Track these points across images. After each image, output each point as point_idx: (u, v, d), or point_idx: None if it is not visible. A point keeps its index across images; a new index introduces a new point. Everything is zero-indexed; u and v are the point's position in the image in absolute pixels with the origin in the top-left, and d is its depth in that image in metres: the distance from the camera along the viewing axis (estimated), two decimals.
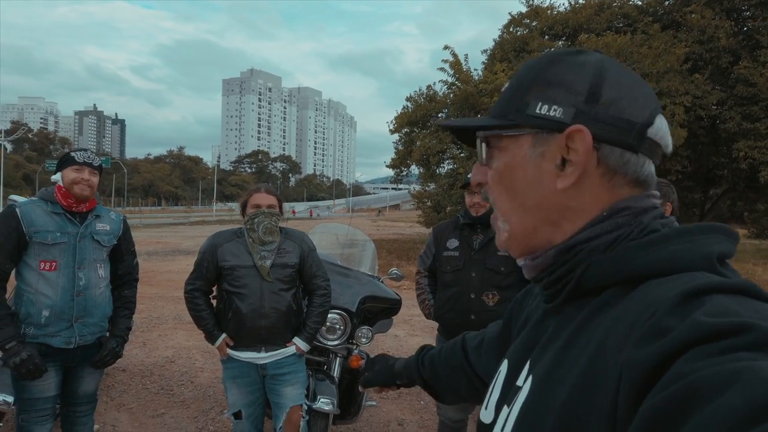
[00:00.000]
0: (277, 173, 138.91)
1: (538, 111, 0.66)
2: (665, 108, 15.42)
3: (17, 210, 2.58)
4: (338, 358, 3.46)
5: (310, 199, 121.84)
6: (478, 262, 2.95)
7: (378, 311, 3.67)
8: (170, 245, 20.64)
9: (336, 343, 3.37)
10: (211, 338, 2.89)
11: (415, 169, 21.02)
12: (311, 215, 70.40)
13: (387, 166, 20.85)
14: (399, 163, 20.23)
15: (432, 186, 20.21)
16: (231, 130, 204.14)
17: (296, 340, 2.96)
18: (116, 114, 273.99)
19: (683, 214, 16.75)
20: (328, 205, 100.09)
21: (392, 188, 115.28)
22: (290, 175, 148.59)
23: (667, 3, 18.54)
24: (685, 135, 15.38)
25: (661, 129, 0.67)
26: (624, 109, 0.64)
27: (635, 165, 0.65)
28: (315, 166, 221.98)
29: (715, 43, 16.07)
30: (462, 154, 18.08)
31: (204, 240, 2.99)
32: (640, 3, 18.80)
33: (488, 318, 2.89)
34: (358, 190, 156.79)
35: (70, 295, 2.64)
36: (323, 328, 3.33)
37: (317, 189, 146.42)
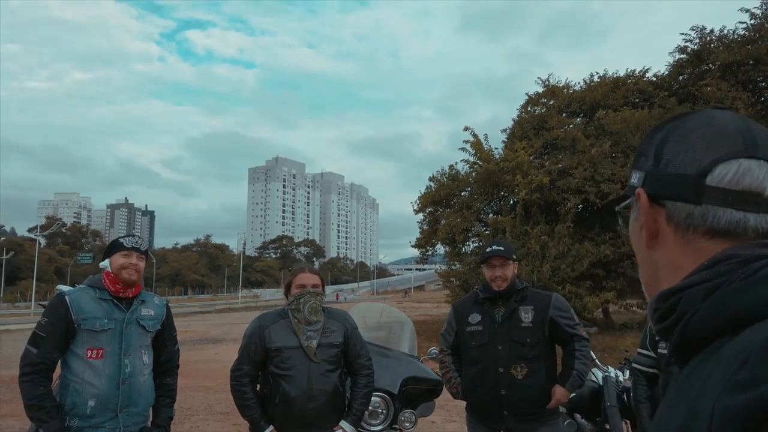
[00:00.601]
0: (302, 257, 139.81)
1: (632, 180, 0.72)
2: None
3: (66, 297, 2.61)
4: None
5: (334, 283, 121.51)
6: (502, 334, 2.91)
7: (420, 393, 3.54)
8: (197, 334, 20.54)
9: (380, 428, 3.23)
10: (256, 429, 2.77)
11: (440, 248, 20.99)
12: (337, 298, 69.93)
13: (412, 246, 20.88)
14: (424, 242, 20.25)
15: (458, 265, 20.07)
16: (256, 216, 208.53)
17: (343, 423, 2.85)
18: (146, 206, 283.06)
19: None
20: (352, 288, 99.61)
21: (416, 269, 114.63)
22: (314, 258, 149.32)
23: (681, 78, 18.94)
24: None
25: (729, 174, 0.64)
26: (679, 164, 0.66)
27: (704, 216, 0.64)
28: (338, 249, 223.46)
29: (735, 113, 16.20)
30: (487, 232, 18.05)
31: (237, 330, 2.96)
32: (654, 79, 19.24)
33: (519, 392, 2.82)
34: (382, 272, 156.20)
35: (115, 384, 2.60)
36: (366, 412, 3.20)
37: (341, 272, 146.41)
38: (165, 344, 2.87)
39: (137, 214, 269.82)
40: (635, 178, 0.71)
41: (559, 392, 2.85)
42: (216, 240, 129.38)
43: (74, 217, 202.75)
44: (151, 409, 2.77)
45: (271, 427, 2.75)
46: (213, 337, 18.62)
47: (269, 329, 2.83)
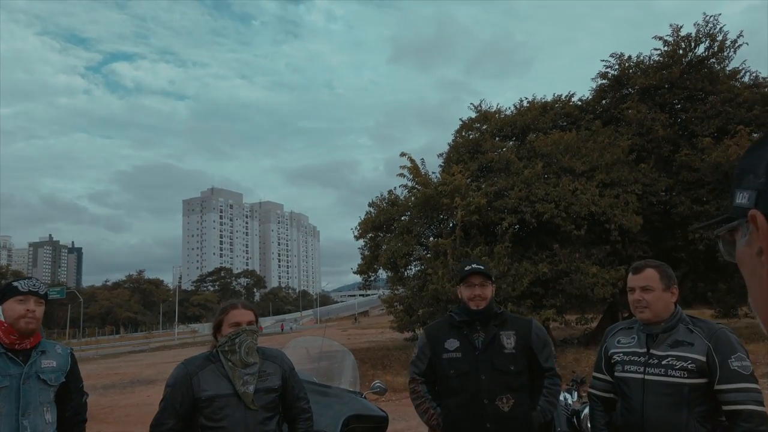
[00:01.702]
0: (241, 289, 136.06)
1: (737, 201, 0.66)
2: (618, 197, 16.03)
3: None
4: None
5: (276, 313, 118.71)
6: (484, 363, 2.71)
7: None
8: (128, 375, 19.33)
9: None
10: None
11: (383, 274, 20.84)
12: (282, 329, 68.13)
13: (354, 272, 20.62)
14: (366, 268, 20.05)
15: (401, 289, 19.97)
16: (192, 249, 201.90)
17: None
18: (72, 242, 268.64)
19: None
20: (295, 318, 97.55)
21: (360, 295, 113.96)
22: (255, 289, 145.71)
23: (604, 101, 19.92)
24: (641, 222, 15.90)
25: None
26: None
27: None
28: (280, 278, 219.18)
29: (654, 134, 17.14)
30: (428, 255, 18.08)
31: (171, 370, 2.63)
32: (580, 103, 20.14)
33: (505, 426, 2.63)
34: (325, 299, 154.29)
35: None
36: None
37: (283, 302, 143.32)
38: (70, 397, 2.53)
39: (63, 251, 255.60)
40: (743, 198, 0.64)
41: None
42: (149, 275, 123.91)
43: None
44: None
45: None
46: (145, 378, 17.55)
47: (198, 376, 2.52)
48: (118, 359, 31.10)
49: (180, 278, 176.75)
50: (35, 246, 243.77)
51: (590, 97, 20.38)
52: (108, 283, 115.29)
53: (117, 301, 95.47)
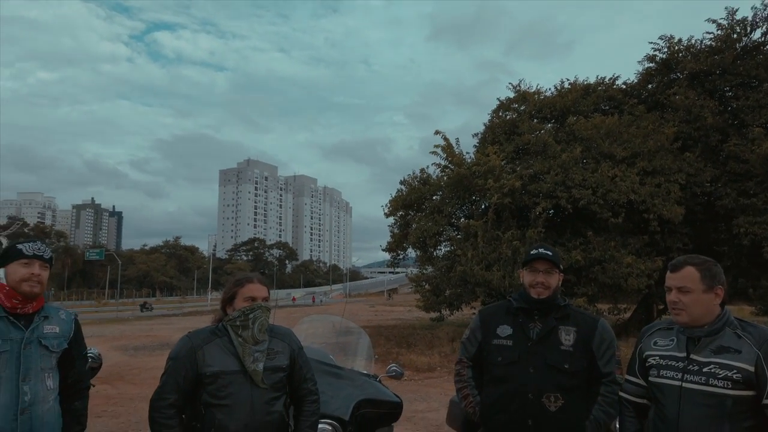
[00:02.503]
0: (274, 260, 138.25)
1: None
2: (660, 186, 15.42)
3: None
4: None
5: (306, 286, 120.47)
6: (536, 355, 2.50)
7: (376, 417, 3.20)
8: (159, 338, 19.84)
9: None
10: None
11: (411, 252, 20.73)
12: (313, 301, 69.05)
13: (383, 250, 20.58)
14: (395, 246, 19.98)
15: (430, 269, 19.83)
16: (227, 219, 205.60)
17: None
18: (113, 206, 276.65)
19: None
20: (325, 291, 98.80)
21: (389, 272, 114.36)
22: (287, 261, 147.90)
23: (650, 86, 19.09)
24: (682, 212, 15.30)
25: None
26: None
27: None
28: (311, 252, 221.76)
29: (702, 122, 16.35)
30: (459, 236, 17.84)
31: (177, 341, 2.54)
32: (624, 86, 19.35)
33: (548, 427, 2.42)
34: (355, 275, 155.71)
35: (13, 415, 2.21)
36: None
37: (314, 275, 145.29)
38: (73, 364, 2.48)
39: (104, 214, 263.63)
40: None
41: None
42: (185, 242, 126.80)
43: (38, 218, 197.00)
44: None
45: None
46: (175, 341, 17.97)
47: (203, 350, 2.42)
48: (151, 321, 32.03)
49: (215, 246, 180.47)
50: (78, 208, 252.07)
51: (636, 80, 19.55)
52: (146, 248, 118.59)
53: (154, 265, 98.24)
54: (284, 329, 2.67)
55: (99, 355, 4.47)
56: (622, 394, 2.46)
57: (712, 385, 2.05)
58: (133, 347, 16.61)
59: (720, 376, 2.04)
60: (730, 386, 2.03)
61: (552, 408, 2.42)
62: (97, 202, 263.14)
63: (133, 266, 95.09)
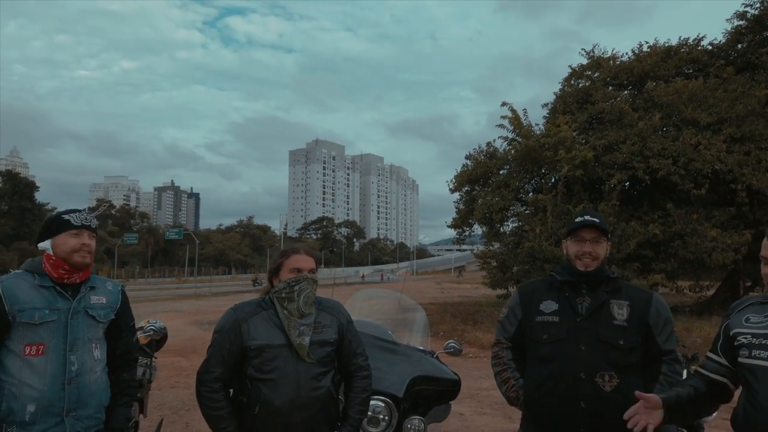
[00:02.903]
0: (342, 238, 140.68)
1: None
2: (749, 154, 14.21)
3: None
4: None
5: (374, 263, 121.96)
6: (587, 331, 2.22)
7: (432, 395, 3.04)
8: None
9: None
10: None
11: (477, 229, 20.33)
12: (382, 278, 69.84)
13: (449, 227, 20.29)
14: (461, 222, 19.63)
15: (496, 245, 19.37)
16: (297, 198, 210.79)
17: None
18: (191, 188, 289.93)
19: None
20: (392, 269, 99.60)
21: (456, 249, 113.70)
22: (354, 239, 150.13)
23: (740, 46, 17.50)
24: None
25: None
26: None
27: None
28: (378, 230, 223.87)
29: None
30: (527, 211, 17.27)
31: (223, 314, 2.47)
32: (710, 47, 17.85)
33: (603, 409, 2.14)
34: (421, 252, 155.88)
35: (60, 384, 2.20)
36: (364, 419, 2.73)
37: (381, 252, 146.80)
38: (121, 335, 2.46)
39: (183, 196, 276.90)
40: None
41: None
42: (258, 221, 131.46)
43: (124, 200, 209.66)
44: (104, 411, 2.36)
45: None
46: None
47: (248, 323, 2.34)
48: (227, 297, 33.38)
49: (285, 225, 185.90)
50: (159, 190, 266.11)
51: (723, 41, 17.96)
52: (221, 227, 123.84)
53: (229, 244, 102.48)
54: (333, 302, 2.54)
55: (163, 327, 4.56)
56: (699, 369, 2.14)
57: None
58: (207, 321, 17.30)
59: None
60: None
61: (607, 388, 2.15)
62: (176, 185, 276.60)
63: (209, 245, 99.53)
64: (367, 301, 3.80)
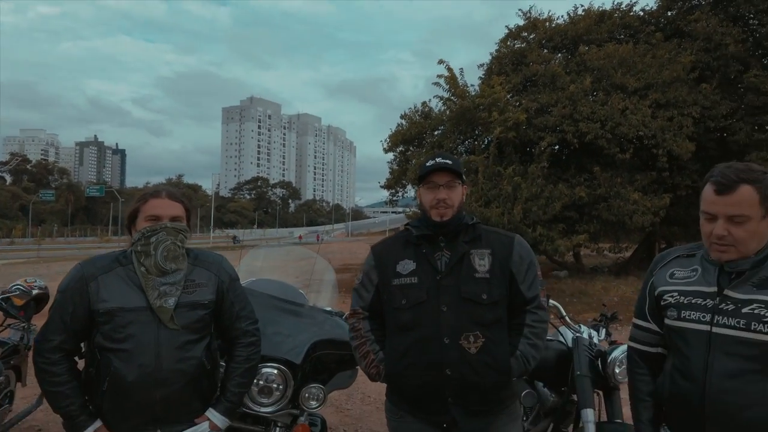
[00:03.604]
0: (277, 199, 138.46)
1: None
2: (672, 119, 14.63)
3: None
4: (278, 429, 2.51)
5: (309, 225, 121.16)
6: (449, 290, 1.96)
7: (337, 360, 2.73)
8: None
9: (272, 409, 2.42)
10: (74, 427, 1.90)
11: (411, 190, 20.16)
12: (318, 240, 69.10)
13: (381, 187, 19.99)
14: (394, 183, 19.34)
15: None
16: (231, 157, 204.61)
17: (210, 413, 2.02)
18: (117, 144, 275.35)
19: (694, 232, 15.75)
20: (327, 230, 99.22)
21: (392, 212, 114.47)
22: (290, 200, 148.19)
23: (670, 13, 17.88)
24: (693, 148, 14.58)
25: None
26: None
27: None
28: (314, 191, 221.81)
29: (723, 50, 15.32)
30: None
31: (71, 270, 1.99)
32: (642, 13, 18.14)
33: (471, 373, 1.90)
34: (357, 214, 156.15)
35: None
36: (254, 388, 2.39)
37: (317, 214, 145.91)
38: None
39: (107, 152, 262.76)
40: None
41: None
42: (189, 180, 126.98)
43: (41, 155, 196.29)
44: None
45: (98, 424, 1.90)
46: None
47: (97, 281, 1.90)
48: None
49: (218, 185, 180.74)
50: (81, 146, 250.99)
51: (655, 7, 18.29)
52: (149, 185, 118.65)
53: None
54: (213, 256, 2.13)
55: (44, 286, 4.06)
56: (630, 343, 1.91)
57: (754, 330, 1.50)
58: None
59: (766, 318, 1.49)
60: None
61: (472, 350, 1.91)
62: (100, 140, 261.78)
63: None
64: (268, 258, 3.41)
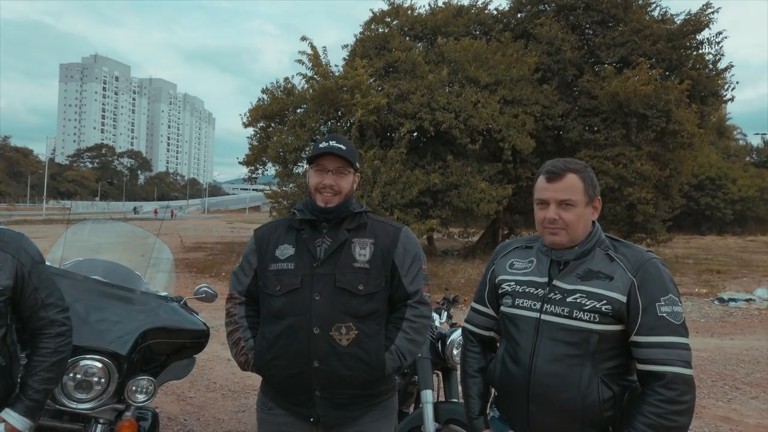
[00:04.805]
0: (124, 170, 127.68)
1: None
2: (517, 116, 15.85)
3: None
4: (99, 426, 2.29)
5: (161, 199, 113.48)
6: (324, 278, 1.89)
7: (171, 350, 2.56)
8: None
9: (91, 405, 2.19)
10: None
11: (271, 168, 19.67)
12: (172, 215, 64.56)
13: (240, 163, 19.27)
14: (253, 159, 18.76)
15: (291, 185, 19.02)
16: (69, 120, 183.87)
17: (6, 414, 1.78)
18: None
19: (532, 220, 17.34)
20: (181, 206, 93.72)
21: (252, 189, 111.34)
22: (139, 172, 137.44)
23: (520, 15, 19.28)
24: (533, 145, 15.93)
25: None
26: None
27: None
28: (168, 163, 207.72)
29: (562, 55, 16.91)
30: None
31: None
32: (495, 12, 19.35)
33: (340, 366, 1.86)
34: (215, 190, 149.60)
35: None
36: (71, 383, 2.15)
37: (170, 188, 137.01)
38: None
39: None
40: None
41: None
42: (17, 142, 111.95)
43: None
44: None
45: None
46: None
47: None
48: None
49: (53, 150, 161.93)
50: None
51: (507, 7, 19.64)
52: None
53: None
54: (10, 235, 1.85)
55: None
56: (465, 325, 2.01)
57: (576, 318, 1.64)
58: None
59: (587, 307, 1.63)
60: (597, 320, 1.62)
61: (343, 342, 1.87)
62: None
63: None
64: (92, 235, 3.08)
